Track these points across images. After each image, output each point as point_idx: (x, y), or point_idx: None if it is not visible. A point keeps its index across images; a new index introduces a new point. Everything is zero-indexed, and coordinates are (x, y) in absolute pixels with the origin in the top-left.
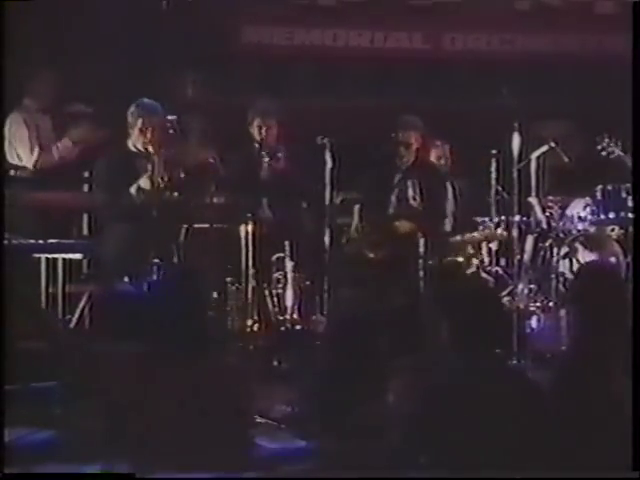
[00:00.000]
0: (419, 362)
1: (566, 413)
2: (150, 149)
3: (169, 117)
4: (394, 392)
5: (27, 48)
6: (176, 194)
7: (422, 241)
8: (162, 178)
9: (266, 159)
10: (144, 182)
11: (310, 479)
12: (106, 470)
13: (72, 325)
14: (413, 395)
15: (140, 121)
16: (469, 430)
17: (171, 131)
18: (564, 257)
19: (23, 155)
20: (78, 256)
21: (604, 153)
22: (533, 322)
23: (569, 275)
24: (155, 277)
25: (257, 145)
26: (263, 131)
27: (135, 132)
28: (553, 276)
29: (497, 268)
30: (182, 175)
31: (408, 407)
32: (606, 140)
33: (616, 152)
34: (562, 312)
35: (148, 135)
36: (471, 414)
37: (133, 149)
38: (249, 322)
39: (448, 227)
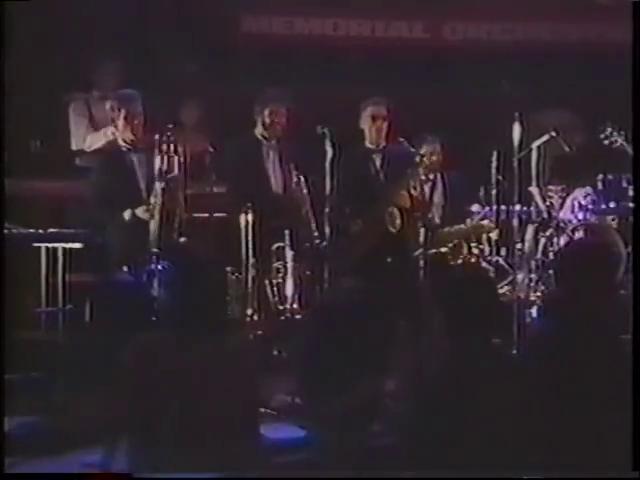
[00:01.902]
0: (419, 349)
1: (564, 412)
2: (136, 140)
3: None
4: (394, 380)
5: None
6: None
7: (422, 231)
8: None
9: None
10: (140, 211)
11: (311, 479)
12: (105, 466)
13: (72, 314)
14: (413, 384)
15: (123, 111)
16: (468, 427)
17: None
18: (564, 247)
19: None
20: (78, 245)
21: (607, 142)
22: (533, 312)
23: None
24: (154, 266)
25: (257, 133)
26: (265, 119)
27: (119, 124)
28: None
29: (497, 258)
30: (181, 165)
31: (407, 395)
32: (609, 129)
33: (619, 141)
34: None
35: (133, 124)
36: (469, 409)
37: (122, 144)
38: (249, 311)
39: (439, 217)
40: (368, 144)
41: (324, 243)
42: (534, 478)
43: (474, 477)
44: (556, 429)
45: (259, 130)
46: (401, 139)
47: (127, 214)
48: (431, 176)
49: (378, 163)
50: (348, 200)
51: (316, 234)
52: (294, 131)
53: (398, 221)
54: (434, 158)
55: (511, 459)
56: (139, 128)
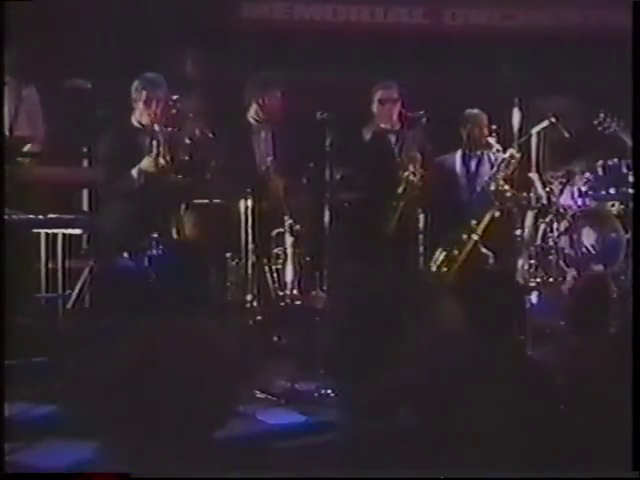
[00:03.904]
0: (420, 337)
1: (564, 412)
2: (154, 123)
3: (173, 96)
4: (395, 367)
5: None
6: (177, 174)
7: (422, 216)
8: (165, 158)
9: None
10: (146, 163)
11: (318, 479)
12: (102, 465)
13: (72, 300)
14: (414, 370)
15: (144, 94)
16: (463, 425)
17: (174, 110)
18: (564, 233)
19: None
20: (78, 231)
21: (600, 128)
22: (533, 298)
23: (569, 251)
24: (154, 252)
25: (255, 120)
26: (262, 106)
27: (140, 106)
28: (553, 252)
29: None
30: (183, 152)
31: (408, 383)
32: (602, 115)
33: (612, 128)
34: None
35: (153, 107)
36: (466, 405)
37: (137, 125)
38: (249, 297)
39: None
40: (379, 126)
41: (298, 227)
42: (534, 478)
43: (474, 477)
44: (556, 429)
45: (252, 114)
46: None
47: (135, 171)
48: (478, 152)
49: (392, 144)
50: (354, 183)
51: (291, 220)
52: (293, 116)
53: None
54: (484, 131)
55: (510, 459)
56: (157, 112)
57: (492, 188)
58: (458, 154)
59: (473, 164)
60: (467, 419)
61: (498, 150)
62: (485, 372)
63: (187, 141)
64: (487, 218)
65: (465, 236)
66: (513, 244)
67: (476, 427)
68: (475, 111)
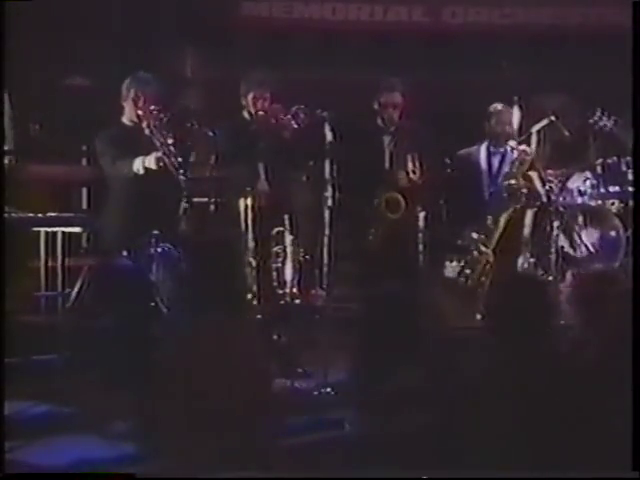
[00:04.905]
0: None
1: (564, 412)
2: (144, 121)
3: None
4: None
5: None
6: (179, 169)
7: (422, 215)
8: (163, 155)
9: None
10: (150, 161)
11: (314, 479)
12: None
13: (71, 298)
14: (415, 369)
15: (132, 92)
16: (458, 425)
17: (163, 112)
18: (564, 231)
19: None
20: (77, 229)
21: (596, 127)
22: None
23: (568, 249)
24: (153, 250)
25: (251, 117)
26: (259, 103)
27: (129, 104)
28: (552, 250)
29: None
30: (182, 149)
31: (410, 381)
32: (597, 114)
33: (608, 126)
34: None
35: (140, 104)
36: (466, 404)
37: (128, 123)
38: (248, 296)
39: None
40: (378, 125)
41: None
42: (534, 478)
43: (474, 477)
44: (555, 429)
45: (247, 112)
46: None
47: (137, 164)
48: (501, 149)
49: (386, 144)
50: (351, 182)
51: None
52: (292, 114)
53: (400, 205)
54: (507, 128)
55: (511, 459)
56: (145, 111)
57: (506, 184)
58: (483, 149)
59: (496, 160)
60: (465, 419)
61: (513, 148)
62: (485, 372)
63: (186, 139)
64: (504, 216)
65: (477, 235)
66: (513, 243)
67: (475, 427)
68: (500, 106)
